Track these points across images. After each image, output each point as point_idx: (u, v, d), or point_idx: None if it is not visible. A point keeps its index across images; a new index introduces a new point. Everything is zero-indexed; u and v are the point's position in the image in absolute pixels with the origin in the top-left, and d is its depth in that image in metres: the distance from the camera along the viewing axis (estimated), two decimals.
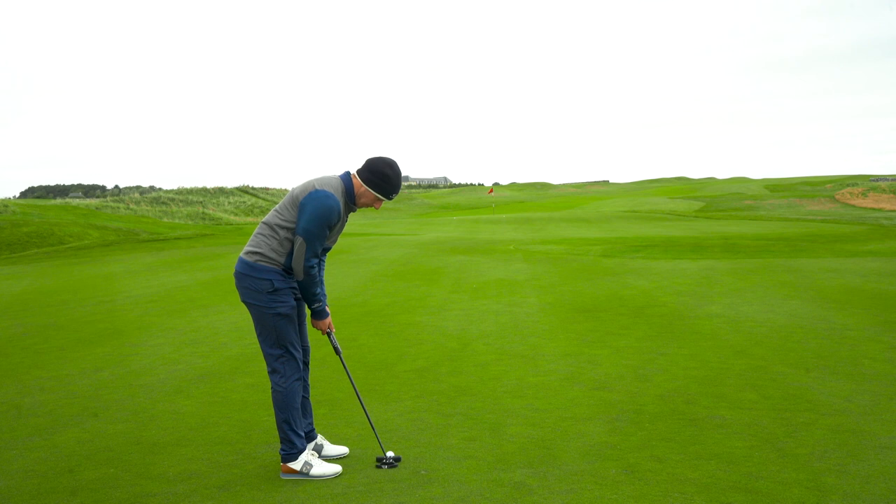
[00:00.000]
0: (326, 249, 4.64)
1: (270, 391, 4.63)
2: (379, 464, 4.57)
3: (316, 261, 4.42)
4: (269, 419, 5.44)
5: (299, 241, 4.37)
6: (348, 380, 6.26)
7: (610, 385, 6.10)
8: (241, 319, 9.61)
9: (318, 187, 4.43)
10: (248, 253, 4.51)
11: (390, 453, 4.62)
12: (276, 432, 4.94)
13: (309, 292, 4.50)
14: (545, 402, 5.69)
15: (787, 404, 5.46)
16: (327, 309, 4.64)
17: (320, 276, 4.60)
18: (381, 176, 4.49)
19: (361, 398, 4.91)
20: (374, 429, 4.78)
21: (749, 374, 6.30)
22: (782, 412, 5.28)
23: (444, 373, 6.67)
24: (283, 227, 4.44)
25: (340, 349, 4.81)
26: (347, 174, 4.57)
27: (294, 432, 4.53)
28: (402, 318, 9.53)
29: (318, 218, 4.36)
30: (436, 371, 6.74)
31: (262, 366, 6.80)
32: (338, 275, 14.48)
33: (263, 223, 4.53)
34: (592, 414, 5.38)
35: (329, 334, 4.70)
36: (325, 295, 4.62)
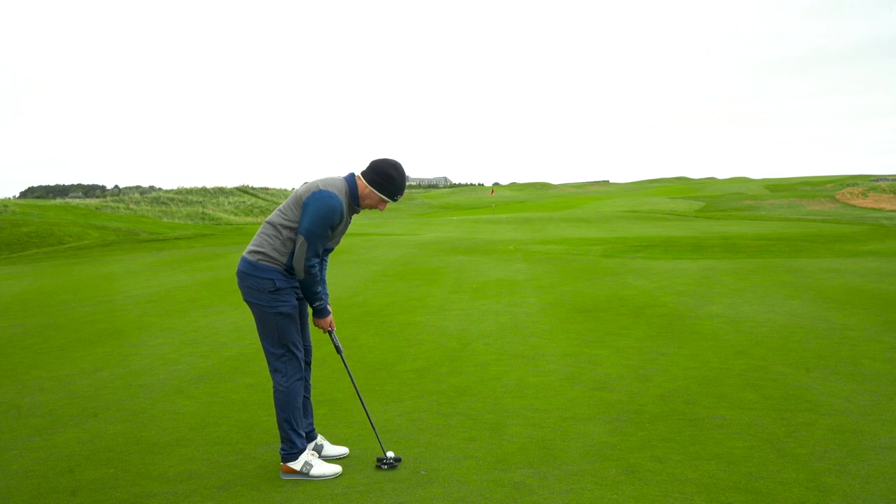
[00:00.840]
0: (329, 250, 4.65)
1: (272, 391, 4.64)
2: (379, 464, 4.57)
3: (317, 260, 4.43)
4: (269, 419, 5.44)
5: (301, 240, 4.38)
6: (349, 379, 6.26)
7: (610, 385, 6.10)
8: (241, 319, 9.61)
9: (322, 188, 4.43)
10: (250, 252, 4.52)
11: (390, 453, 4.62)
12: (277, 432, 4.94)
13: (310, 291, 4.50)
14: (545, 402, 5.69)
15: (787, 404, 5.46)
16: (329, 307, 4.65)
17: (322, 275, 4.61)
18: (386, 177, 4.50)
19: (362, 398, 4.91)
20: (374, 429, 4.78)
21: (749, 375, 6.30)
22: (782, 412, 5.29)
23: (444, 373, 6.67)
24: (286, 227, 4.45)
25: (342, 348, 4.81)
26: (352, 175, 4.57)
27: (295, 432, 4.53)
28: (402, 318, 9.53)
29: (320, 218, 4.37)
30: (436, 371, 6.75)
31: (263, 366, 6.81)
32: (338, 275, 14.48)
33: (267, 222, 4.55)
34: (592, 414, 5.38)
35: (330, 333, 4.70)
36: (326, 294, 4.62)
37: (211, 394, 6.25)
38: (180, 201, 64.05)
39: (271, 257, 4.46)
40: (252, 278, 4.48)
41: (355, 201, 4.57)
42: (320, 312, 4.59)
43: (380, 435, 4.87)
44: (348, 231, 4.69)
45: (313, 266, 4.42)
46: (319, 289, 4.51)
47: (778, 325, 8.35)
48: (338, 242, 4.70)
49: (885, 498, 3.90)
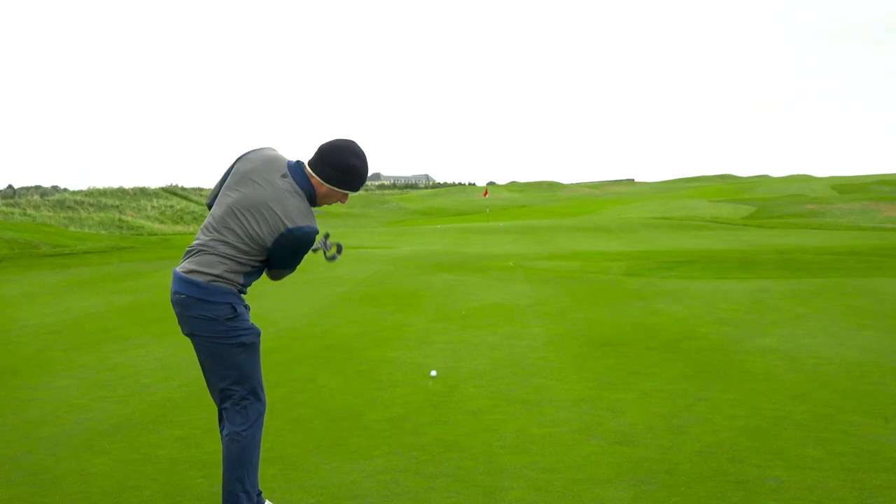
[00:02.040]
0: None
1: (223, 441, 4.55)
2: None
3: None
4: (204, 481, 5.42)
5: (284, 271, 4.67)
6: (304, 430, 6.27)
7: (635, 439, 6.13)
8: (167, 355, 9.58)
9: (298, 223, 4.37)
10: (195, 272, 4.40)
11: None
12: (216, 498, 4.92)
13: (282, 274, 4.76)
14: (553, 461, 5.70)
15: (860, 462, 5.49)
16: None
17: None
18: (346, 168, 4.45)
19: None
20: None
21: (812, 425, 6.34)
22: (854, 472, 5.32)
23: (426, 423, 6.68)
24: (247, 253, 4.42)
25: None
26: (301, 170, 4.50)
27: (247, 494, 4.48)
28: (373, 354, 9.53)
29: (301, 252, 4.52)
30: (415, 421, 6.75)
31: (195, 414, 6.80)
32: (291, 299, 14.46)
33: (219, 241, 4.41)
34: (613, 475, 5.39)
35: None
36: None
37: (130, 449, 6.22)
38: (91, 205, 63.98)
39: (226, 279, 4.40)
40: (203, 305, 4.37)
41: (313, 203, 4.55)
42: None
43: (346, 503, 4.85)
44: None
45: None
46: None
47: (848, 362, 8.40)
48: None
49: None
